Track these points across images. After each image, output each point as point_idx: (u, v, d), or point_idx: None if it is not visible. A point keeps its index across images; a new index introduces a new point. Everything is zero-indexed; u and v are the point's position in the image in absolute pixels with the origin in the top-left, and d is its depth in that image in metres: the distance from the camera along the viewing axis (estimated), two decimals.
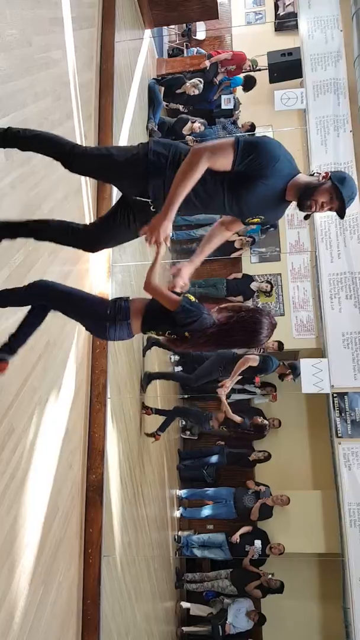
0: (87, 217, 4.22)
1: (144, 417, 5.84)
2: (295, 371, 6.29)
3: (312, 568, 8.03)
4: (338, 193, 2.30)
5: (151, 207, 2.42)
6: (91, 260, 4.28)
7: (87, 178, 4.28)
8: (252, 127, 8.48)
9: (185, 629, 7.44)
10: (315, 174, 2.36)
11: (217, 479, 8.21)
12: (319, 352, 7.68)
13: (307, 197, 2.33)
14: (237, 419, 6.10)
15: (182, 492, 8.14)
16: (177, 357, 8.19)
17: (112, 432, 4.28)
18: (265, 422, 6.55)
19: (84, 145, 2.60)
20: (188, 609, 7.56)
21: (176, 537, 7.70)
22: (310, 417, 8.51)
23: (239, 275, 8.70)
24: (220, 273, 8.79)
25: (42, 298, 2.49)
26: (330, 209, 2.36)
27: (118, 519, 4.33)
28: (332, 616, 7.60)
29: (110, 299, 2.63)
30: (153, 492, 5.97)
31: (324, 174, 2.34)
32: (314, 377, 6.45)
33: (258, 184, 2.28)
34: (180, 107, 8.27)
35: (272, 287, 8.55)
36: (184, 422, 8.69)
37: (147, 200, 2.41)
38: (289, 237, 8.89)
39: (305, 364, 6.56)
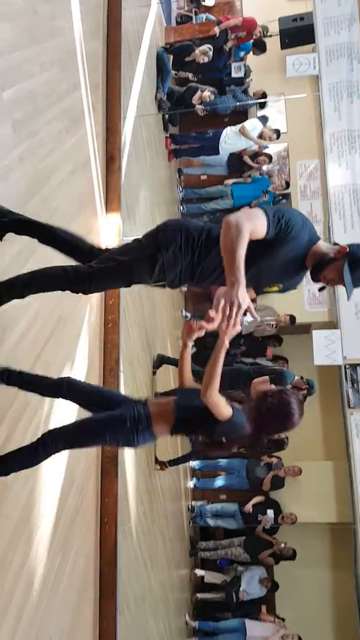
0: (96, 189, 4.19)
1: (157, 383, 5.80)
2: (311, 389, 6.22)
3: (324, 536, 8.14)
4: (344, 275, 2.15)
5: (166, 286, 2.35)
6: (101, 235, 4.26)
7: (96, 150, 4.24)
8: (264, 95, 8.31)
9: (199, 595, 7.61)
10: (334, 245, 2.23)
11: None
12: (332, 325, 7.65)
13: (318, 270, 2.22)
14: None
15: (195, 464, 8.23)
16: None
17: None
18: (283, 435, 6.55)
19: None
20: (202, 577, 7.71)
21: (190, 506, 7.82)
22: (322, 388, 8.49)
23: None
24: None
25: (58, 447, 2.34)
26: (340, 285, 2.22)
27: (133, 490, 4.40)
28: (343, 583, 7.73)
29: (124, 402, 2.45)
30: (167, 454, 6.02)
31: (341, 248, 2.19)
32: (327, 349, 6.44)
33: (278, 252, 2.17)
34: (190, 76, 8.11)
35: None
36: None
37: (164, 283, 2.33)
38: (301, 209, 8.77)
39: (317, 336, 6.55)
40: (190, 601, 7.41)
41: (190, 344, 2.40)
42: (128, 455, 4.34)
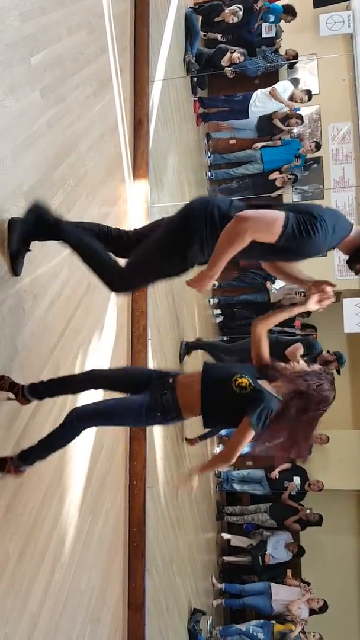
0: (124, 155, 4.16)
1: (185, 361, 5.84)
2: (340, 359, 6.04)
3: (350, 504, 8.19)
4: None
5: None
6: (129, 202, 4.25)
7: (124, 115, 4.19)
8: (295, 56, 8.05)
9: (226, 558, 7.77)
10: None
11: None
12: None
13: (356, 260, 2.21)
14: None
15: (223, 431, 8.29)
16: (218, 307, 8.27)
17: None
18: None
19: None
20: (229, 540, 7.86)
21: (217, 472, 7.93)
22: (351, 356, 8.43)
23: None
24: None
25: (85, 424, 2.29)
26: None
27: (161, 454, 4.47)
28: None
29: (152, 379, 2.37)
30: (194, 430, 6.11)
31: None
32: (357, 317, 6.37)
33: (302, 258, 2.21)
34: (219, 37, 7.89)
35: None
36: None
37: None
38: (333, 174, 8.57)
39: (348, 304, 6.47)
40: (217, 564, 7.57)
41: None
42: None
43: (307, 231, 2.04)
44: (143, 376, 2.45)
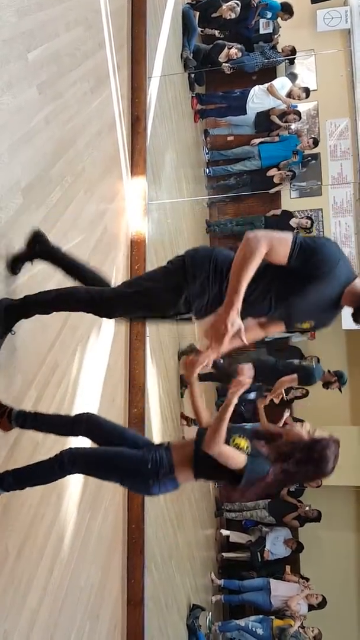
0: (122, 152, 4.15)
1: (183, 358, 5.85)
2: (341, 379, 5.96)
3: (349, 499, 8.21)
4: None
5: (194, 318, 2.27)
6: (127, 199, 4.24)
7: (121, 111, 4.19)
8: (293, 52, 8.03)
9: (225, 554, 7.78)
10: None
11: (254, 415, 8.33)
12: None
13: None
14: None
15: None
16: None
17: (151, 369, 4.36)
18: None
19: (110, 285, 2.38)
20: (228, 536, 7.87)
21: None
22: (350, 353, 8.46)
23: (278, 212, 8.47)
24: (259, 210, 8.59)
25: (73, 469, 2.21)
26: None
27: None
28: None
29: (146, 445, 2.31)
30: (193, 427, 6.11)
31: None
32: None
33: (311, 289, 2.07)
34: (216, 33, 7.87)
35: (312, 223, 8.30)
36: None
37: (189, 316, 2.25)
38: (331, 170, 8.57)
39: None
40: (216, 560, 7.59)
41: (196, 381, 2.31)
42: (154, 418, 4.41)
43: (314, 244, 2.01)
44: (139, 440, 2.40)
